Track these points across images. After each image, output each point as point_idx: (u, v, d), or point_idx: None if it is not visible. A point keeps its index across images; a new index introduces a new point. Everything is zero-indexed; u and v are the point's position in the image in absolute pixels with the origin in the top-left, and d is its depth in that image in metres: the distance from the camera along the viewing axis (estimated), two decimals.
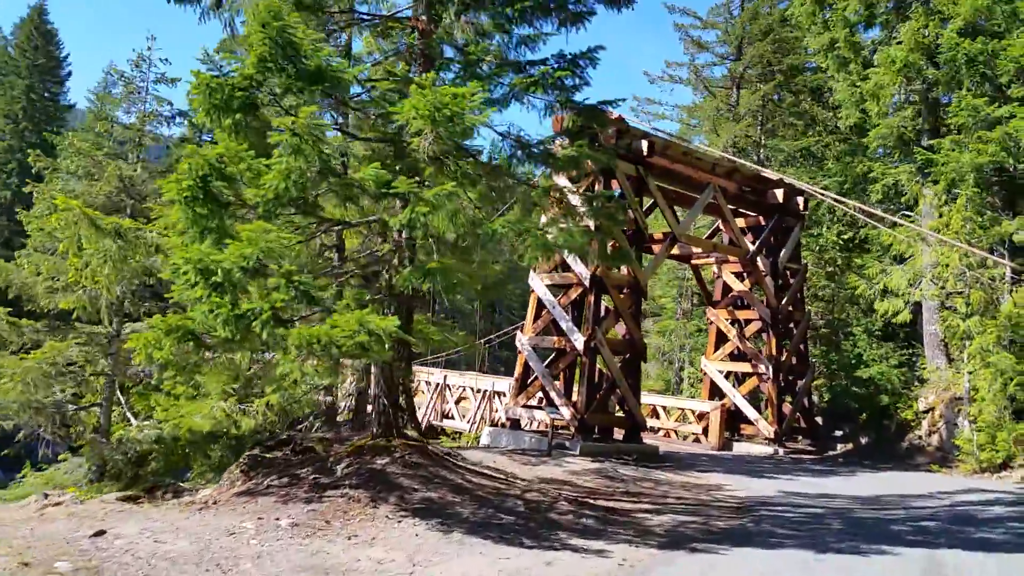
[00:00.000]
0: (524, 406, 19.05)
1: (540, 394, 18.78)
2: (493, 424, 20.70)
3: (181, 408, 13.28)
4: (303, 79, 7.49)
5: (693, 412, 23.34)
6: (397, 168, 8.35)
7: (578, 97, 11.96)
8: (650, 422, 24.13)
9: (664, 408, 24.25)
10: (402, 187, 7.60)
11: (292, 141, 7.04)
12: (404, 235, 9.12)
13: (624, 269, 18.81)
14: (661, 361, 33.55)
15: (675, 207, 21.38)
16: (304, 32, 7.43)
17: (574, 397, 17.91)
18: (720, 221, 22.39)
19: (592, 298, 17.84)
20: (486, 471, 10.72)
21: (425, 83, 7.61)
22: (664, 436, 23.75)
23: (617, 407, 18.96)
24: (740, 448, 21.91)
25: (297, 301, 7.28)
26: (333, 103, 8.60)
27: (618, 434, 18.34)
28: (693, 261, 23.83)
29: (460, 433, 23.60)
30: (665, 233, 20.42)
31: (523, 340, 19.09)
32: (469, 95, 7.53)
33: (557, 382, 19.52)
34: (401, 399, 10.27)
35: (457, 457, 11.01)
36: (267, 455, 9.36)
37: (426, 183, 8.29)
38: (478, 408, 23.03)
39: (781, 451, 21.08)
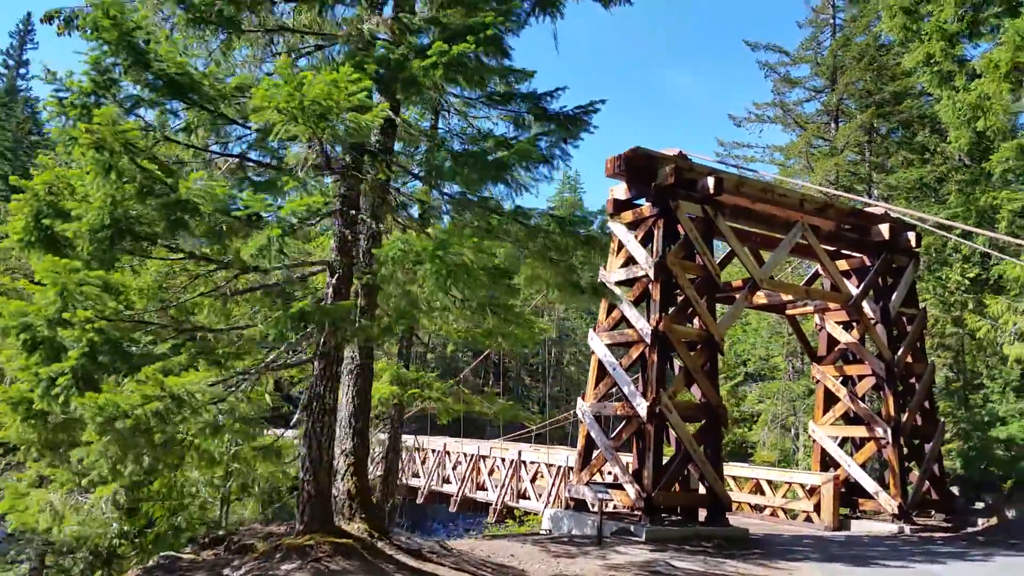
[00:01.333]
0: (588, 484, 16.77)
1: (611, 469, 16.47)
2: (566, 505, 18.43)
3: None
4: (156, 87, 6.23)
5: (803, 486, 20.15)
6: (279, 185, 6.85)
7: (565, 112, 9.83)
8: (754, 500, 21.14)
9: (769, 483, 21.12)
10: (256, 206, 6.08)
11: (99, 157, 5.69)
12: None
13: (696, 323, 16.52)
14: (774, 428, 30.14)
15: (761, 251, 18.98)
16: (158, 32, 6.19)
17: (643, 472, 15.53)
18: (820, 266, 19.67)
19: (655, 357, 15.60)
20: (481, 571, 8.74)
21: (283, 68, 6.15)
22: (771, 516, 20.63)
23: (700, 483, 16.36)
24: (859, 527, 18.58)
25: (104, 354, 5.82)
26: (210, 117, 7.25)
27: (702, 514, 15.76)
28: (788, 311, 21.00)
29: (533, 515, 21.39)
30: (745, 280, 17.96)
31: (583, 407, 16.98)
32: (346, 81, 5.97)
33: (627, 456, 17.24)
34: (347, 480, 8.55)
35: (440, 555, 9.07)
36: (183, 558, 7.79)
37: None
38: (552, 486, 20.84)
39: (908, 529, 17.65)
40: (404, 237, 7.49)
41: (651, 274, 16.01)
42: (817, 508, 19.39)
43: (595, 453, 16.66)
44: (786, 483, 20.61)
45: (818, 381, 20.83)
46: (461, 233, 8.74)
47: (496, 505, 22.94)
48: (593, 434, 16.62)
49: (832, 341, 20.52)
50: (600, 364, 16.93)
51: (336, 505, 8.70)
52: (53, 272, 5.67)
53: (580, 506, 17.07)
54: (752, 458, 31.32)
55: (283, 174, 7.45)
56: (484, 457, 25.04)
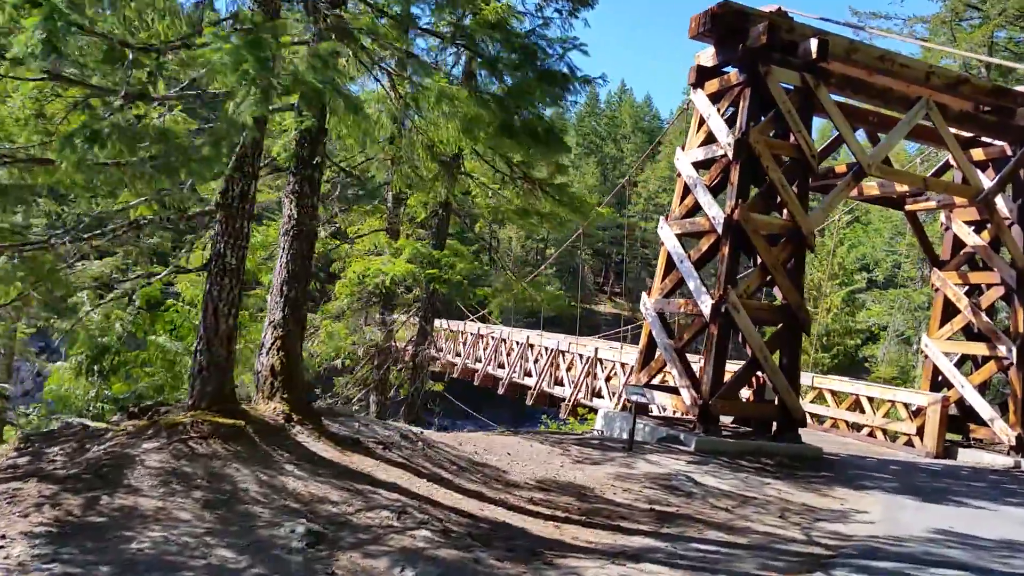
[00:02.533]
0: (647, 385, 15.28)
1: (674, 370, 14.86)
2: (623, 407, 17.08)
3: None
4: None
5: (906, 406, 17.81)
6: None
7: None
8: (852, 417, 18.98)
9: (870, 400, 18.80)
10: None
11: None
12: None
13: (784, 214, 14.29)
14: (894, 342, 27.16)
15: (879, 135, 16.19)
16: None
17: (701, 376, 13.87)
18: (951, 154, 16.57)
19: (726, 249, 13.62)
20: (441, 470, 7.57)
21: None
22: (868, 436, 18.47)
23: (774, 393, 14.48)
24: (966, 456, 16.22)
25: None
26: None
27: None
28: (908, 206, 18.03)
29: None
30: (850, 165, 15.35)
31: (647, 304, 15.30)
32: None
33: (694, 357, 15.57)
34: (272, 355, 7.45)
35: (394, 446, 7.87)
36: (77, 425, 7.00)
37: None
38: (625, 384, 19.49)
39: None
40: None
41: (730, 153, 13.84)
42: (920, 432, 17.11)
43: (657, 353, 15.06)
44: (888, 401, 18.27)
45: (937, 289, 18.05)
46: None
47: (569, 402, 21.91)
48: (654, 332, 14.99)
49: (958, 243, 17.61)
50: (668, 257, 15.09)
51: (258, 382, 7.77)
52: None
53: (637, 409, 15.68)
54: (871, 374, 28.67)
55: None
56: (563, 352, 23.94)
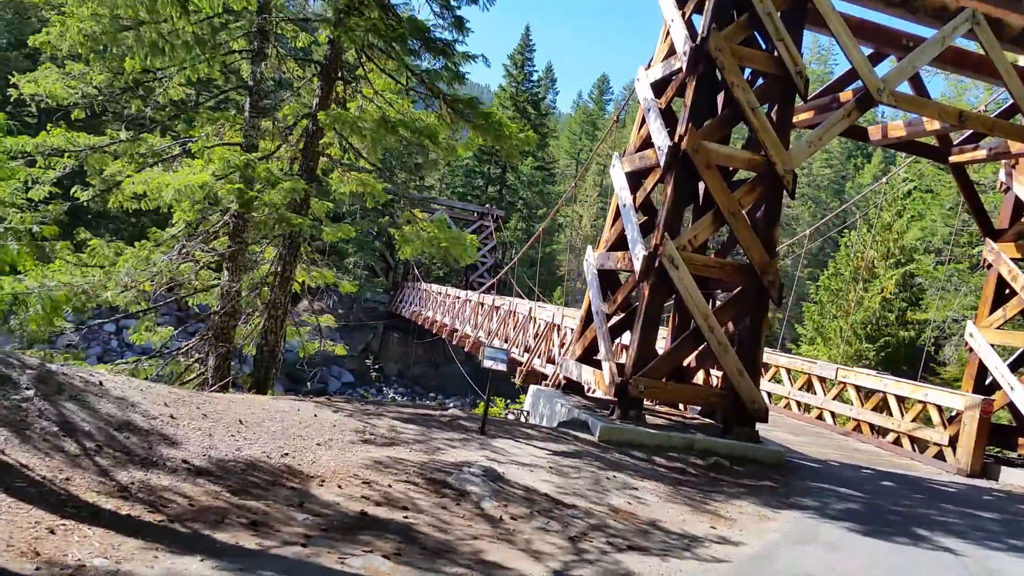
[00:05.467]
0: (581, 359, 12.42)
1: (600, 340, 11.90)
2: (556, 383, 14.15)
3: None
4: None
5: (939, 409, 14.12)
6: None
7: None
8: (877, 420, 15.40)
9: (899, 400, 15.13)
10: None
11: None
12: None
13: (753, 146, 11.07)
14: (953, 332, 22.75)
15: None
16: None
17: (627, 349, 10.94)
18: (1007, 87, 12.75)
19: (669, 188, 10.59)
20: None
21: None
22: (892, 443, 14.89)
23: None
24: (1011, 477, 12.55)
25: None
26: None
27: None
28: (954, 157, 14.18)
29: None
30: (856, 91, 11.90)
31: (590, 259, 12.43)
32: None
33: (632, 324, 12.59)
34: None
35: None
36: None
37: None
38: (560, 358, 16.59)
39: None
40: None
41: (685, 64, 10.78)
42: (953, 443, 13.51)
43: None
44: (919, 402, 14.63)
45: (990, 265, 14.27)
46: None
47: (525, 368, 19.01)
48: (591, 293, 12.12)
49: (1019, 207, 13.80)
50: (617, 201, 12.16)
51: None
52: None
53: (571, 386, 12.83)
54: (937, 375, 24.39)
55: None
56: (518, 314, 21.57)
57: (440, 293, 35.00)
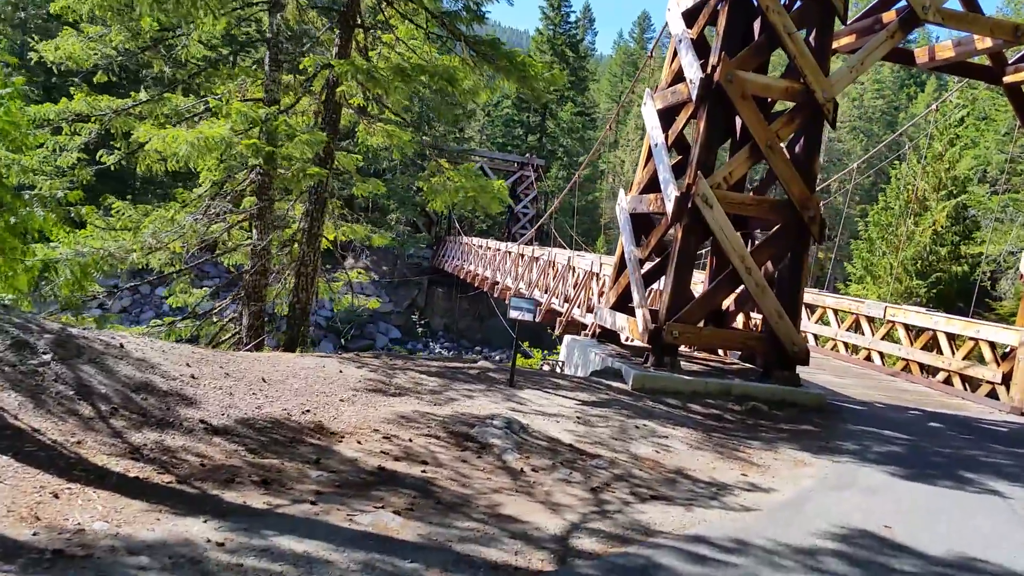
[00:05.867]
0: (614, 307, 12.17)
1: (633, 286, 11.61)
2: (592, 333, 13.90)
3: None
4: None
5: (992, 346, 13.57)
6: None
7: None
8: (927, 359, 14.89)
9: (949, 338, 14.57)
10: None
11: None
12: None
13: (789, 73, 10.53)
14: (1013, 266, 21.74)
15: None
16: None
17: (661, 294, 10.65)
18: None
19: (703, 122, 10.16)
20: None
21: None
22: (943, 383, 14.40)
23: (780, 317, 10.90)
24: None
25: None
26: None
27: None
28: (1008, 77, 13.27)
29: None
30: (899, 10, 11.19)
31: (622, 203, 12.09)
32: None
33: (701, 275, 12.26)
34: None
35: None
36: None
37: None
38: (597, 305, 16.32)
39: None
40: None
41: None
42: (1007, 380, 13.01)
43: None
44: (971, 339, 14.08)
45: None
46: None
47: (565, 317, 18.77)
48: (623, 238, 11.80)
49: None
50: (650, 141, 11.73)
51: None
52: None
53: (606, 334, 12.61)
54: (992, 311, 23.49)
55: None
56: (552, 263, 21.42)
57: (481, 246, 34.87)
